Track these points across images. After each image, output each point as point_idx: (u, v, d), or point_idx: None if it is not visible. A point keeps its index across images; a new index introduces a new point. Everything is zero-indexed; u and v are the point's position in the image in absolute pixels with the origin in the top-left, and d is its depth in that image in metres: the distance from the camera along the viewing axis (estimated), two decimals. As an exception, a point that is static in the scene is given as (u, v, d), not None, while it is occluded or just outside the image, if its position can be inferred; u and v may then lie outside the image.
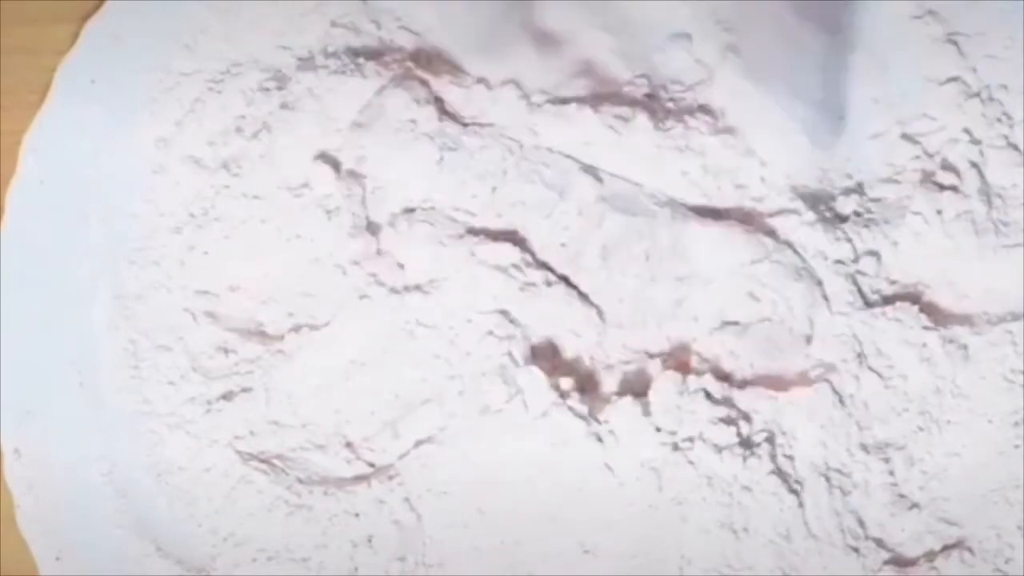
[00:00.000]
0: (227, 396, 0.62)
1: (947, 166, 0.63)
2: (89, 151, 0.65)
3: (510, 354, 0.60)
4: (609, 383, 0.61)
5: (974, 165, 0.63)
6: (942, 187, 0.63)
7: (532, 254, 0.62)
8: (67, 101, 0.65)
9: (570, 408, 0.60)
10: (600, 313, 0.61)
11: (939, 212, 0.62)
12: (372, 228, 0.63)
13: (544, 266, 0.62)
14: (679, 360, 0.61)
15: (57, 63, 0.65)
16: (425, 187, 0.63)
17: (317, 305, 0.63)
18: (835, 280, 0.62)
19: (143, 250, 0.64)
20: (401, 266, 0.62)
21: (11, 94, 0.66)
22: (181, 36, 0.65)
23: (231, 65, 0.65)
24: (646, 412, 0.60)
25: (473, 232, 0.62)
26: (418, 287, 0.62)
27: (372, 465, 0.61)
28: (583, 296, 0.62)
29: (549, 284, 0.61)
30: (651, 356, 0.61)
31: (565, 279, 0.62)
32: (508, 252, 0.62)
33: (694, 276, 0.62)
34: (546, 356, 0.61)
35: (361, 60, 0.65)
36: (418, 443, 0.60)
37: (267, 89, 0.65)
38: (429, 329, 0.61)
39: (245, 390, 0.62)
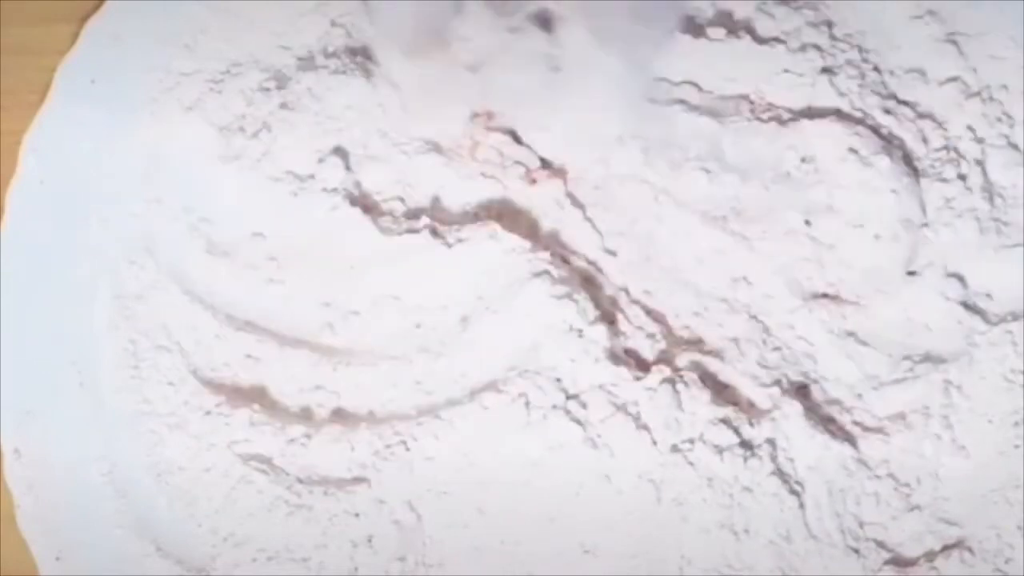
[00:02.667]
0: (229, 396, 0.62)
1: (952, 159, 0.63)
2: (89, 151, 0.65)
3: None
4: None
5: (979, 163, 0.63)
6: (947, 179, 0.63)
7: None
8: (67, 101, 0.65)
9: (567, 412, 0.60)
10: None
11: (948, 200, 0.62)
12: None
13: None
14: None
15: (57, 63, 0.65)
16: None
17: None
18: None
19: (143, 250, 0.64)
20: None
21: (11, 94, 0.66)
22: (181, 36, 0.65)
23: (231, 65, 0.65)
24: (643, 417, 0.60)
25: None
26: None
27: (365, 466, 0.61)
28: None
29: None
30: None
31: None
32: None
33: None
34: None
35: (361, 60, 0.65)
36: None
37: (267, 89, 0.65)
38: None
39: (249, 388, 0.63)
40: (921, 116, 0.63)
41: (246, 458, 0.61)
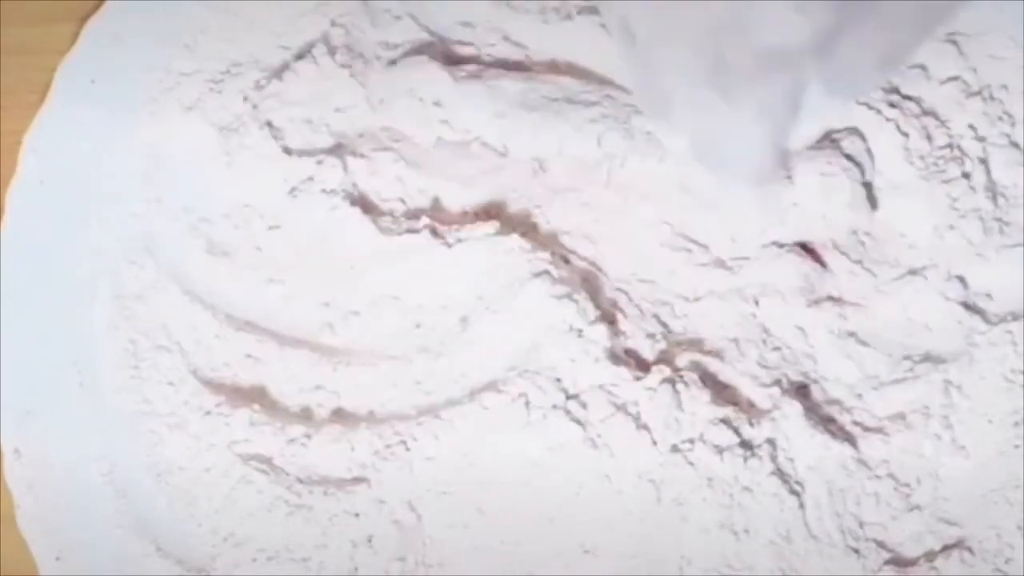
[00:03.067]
0: (229, 396, 0.62)
1: (956, 157, 0.63)
2: (89, 151, 0.65)
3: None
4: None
5: (982, 161, 0.63)
6: (951, 179, 0.63)
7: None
8: (67, 101, 0.65)
9: (567, 412, 0.60)
10: None
11: (953, 200, 0.62)
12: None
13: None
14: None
15: (57, 63, 0.65)
16: None
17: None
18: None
19: (143, 250, 0.64)
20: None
21: (11, 94, 0.66)
22: (181, 36, 0.65)
23: (231, 65, 0.65)
24: (643, 417, 0.60)
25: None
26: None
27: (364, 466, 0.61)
28: None
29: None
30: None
31: None
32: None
33: None
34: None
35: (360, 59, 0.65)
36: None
37: (266, 88, 0.65)
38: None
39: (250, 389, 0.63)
40: (925, 113, 0.63)
41: (246, 458, 0.61)
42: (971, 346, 0.61)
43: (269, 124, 0.64)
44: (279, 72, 0.65)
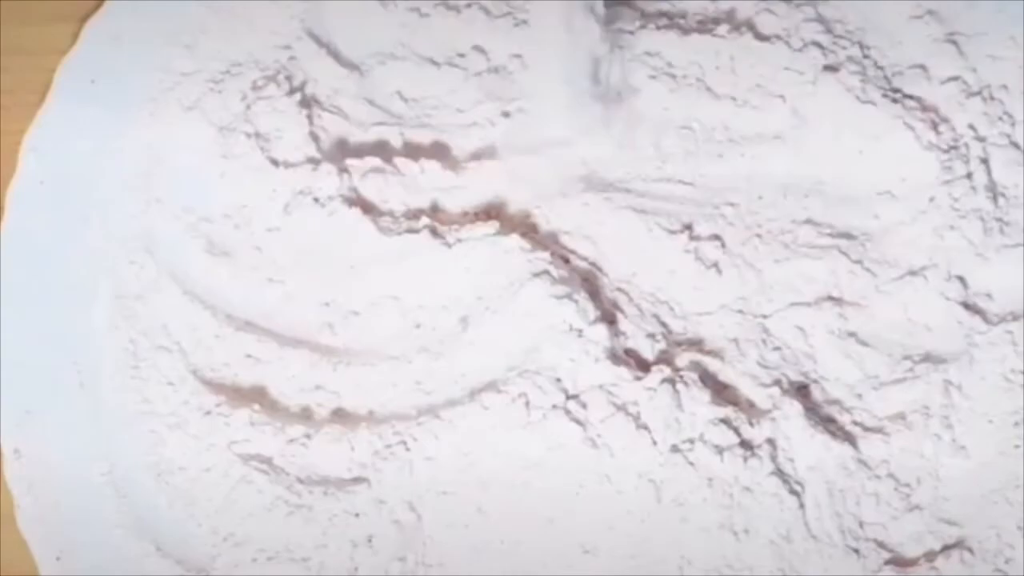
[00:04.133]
0: (229, 396, 0.62)
1: (962, 155, 0.63)
2: (89, 151, 0.65)
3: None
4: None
5: (983, 161, 0.63)
6: (954, 178, 0.63)
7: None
8: (67, 101, 0.65)
9: (567, 412, 0.60)
10: None
11: (955, 200, 0.62)
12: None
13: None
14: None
15: (57, 63, 0.65)
16: None
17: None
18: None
19: (143, 250, 0.64)
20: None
21: (11, 94, 0.66)
22: (181, 36, 0.65)
23: (231, 65, 0.65)
24: (643, 417, 0.60)
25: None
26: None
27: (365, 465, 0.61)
28: None
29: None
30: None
31: None
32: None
33: None
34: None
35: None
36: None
37: (266, 88, 0.65)
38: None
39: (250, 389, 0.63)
40: (926, 110, 0.63)
41: (246, 458, 0.61)
42: (971, 346, 0.61)
43: (268, 124, 0.64)
44: (280, 72, 0.65)
